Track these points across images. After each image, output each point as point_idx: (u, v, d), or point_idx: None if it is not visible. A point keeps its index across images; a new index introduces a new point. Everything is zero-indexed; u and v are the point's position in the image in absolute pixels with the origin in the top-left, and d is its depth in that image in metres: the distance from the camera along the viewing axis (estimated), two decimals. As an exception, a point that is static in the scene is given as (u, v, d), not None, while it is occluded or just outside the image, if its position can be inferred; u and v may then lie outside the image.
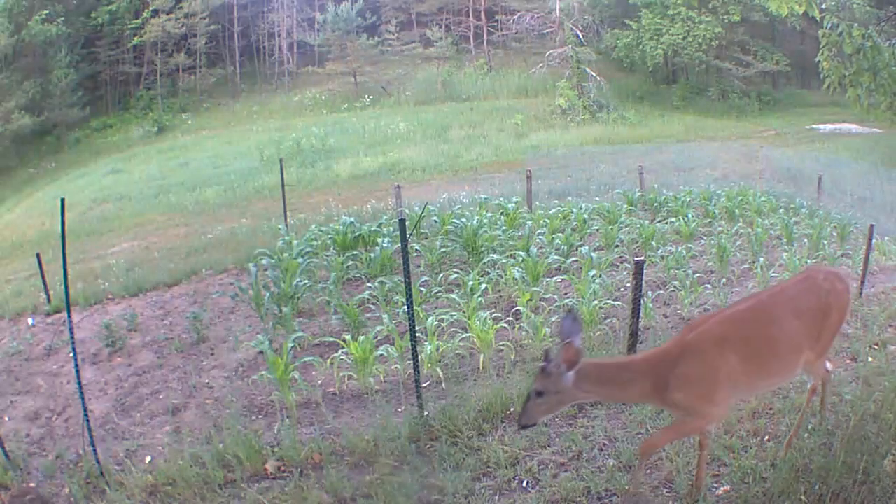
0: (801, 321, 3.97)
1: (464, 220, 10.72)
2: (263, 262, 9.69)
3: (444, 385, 6.24)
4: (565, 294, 8.34)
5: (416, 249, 9.97)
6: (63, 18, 28.61)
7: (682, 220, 11.55)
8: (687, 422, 3.84)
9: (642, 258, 6.14)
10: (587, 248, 9.69)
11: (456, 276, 8.65)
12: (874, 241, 8.99)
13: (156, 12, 30.77)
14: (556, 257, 9.55)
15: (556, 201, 13.97)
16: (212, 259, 11.50)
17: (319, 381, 6.64)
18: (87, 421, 5.32)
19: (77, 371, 5.32)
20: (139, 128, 29.50)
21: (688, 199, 13.43)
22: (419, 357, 5.79)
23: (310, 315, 8.38)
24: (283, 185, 14.43)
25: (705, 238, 11.01)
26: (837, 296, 4.13)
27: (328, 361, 6.58)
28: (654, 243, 10.41)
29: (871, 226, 8.70)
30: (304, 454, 4.99)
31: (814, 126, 26.59)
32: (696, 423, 3.80)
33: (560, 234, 10.42)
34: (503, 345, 6.85)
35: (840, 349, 6.56)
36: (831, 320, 4.10)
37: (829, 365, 4.52)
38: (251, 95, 32.37)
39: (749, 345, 3.79)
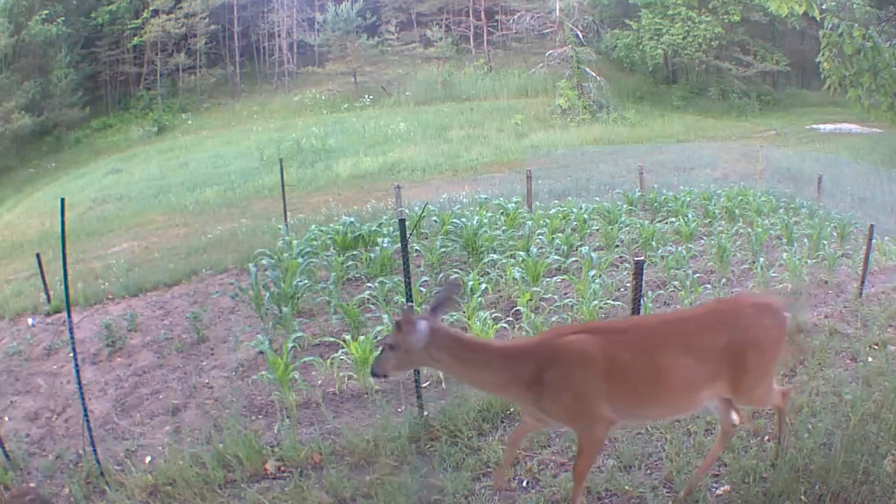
0: (695, 357, 3.59)
1: (464, 220, 10.72)
2: (263, 262, 9.69)
3: (444, 385, 6.24)
4: (565, 294, 8.33)
5: (416, 249, 9.97)
6: (63, 18, 28.64)
7: (682, 220, 11.55)
8: (583, 439, 3.66)
9: (642, 258, 6.13)
10: (587, 248, 9.69)
11: (456, 276, 8.65)
12: (874, 241, 8.99)
13: (156, 12, 30.79)
14: (556, 257, 9.55)
15: (556, 201, 13.98)
16: (212, 259, 11.50)
17: (319, 381, 6.64)
18: (87, 421, 5.31)
19: (77, 371, 5.32)
20: (139, 128, 29.53)
21: (688, 199, 13.43)
22: (419, 357, 5.78)
23: (310, 315, 8.38)
24: (283, 185, 14.43)
25: (705, 238, 11.01)
26: (763, 331, 3.70)
27: (328, 361, 6.58)
28: (654, 243, 10.41)
29: (871, 226, 8.70)
30: (304, 454, 4.99)
31: (814, 126, 26.60)
32: (587, 440, 3.63)
33: (560, 234, 10.42)
34: (503, 345, 6.84)
35: (840, 349, 6.56)
36: (754, 358, 3.67)
37: (778, 394, 4.10)
38: (251, 95, 32.39)
39: (620, 368, 3.51)
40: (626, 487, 4.24)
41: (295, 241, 10.46)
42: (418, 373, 5.63)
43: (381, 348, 3.71)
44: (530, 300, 7.82)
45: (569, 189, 16.09)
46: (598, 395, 3.49)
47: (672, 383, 3.59)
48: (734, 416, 4.01)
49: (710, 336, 3.64)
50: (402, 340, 3.50)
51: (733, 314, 3.77)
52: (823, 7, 7.17)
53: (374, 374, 3.73)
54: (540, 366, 3.47)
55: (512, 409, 5.38)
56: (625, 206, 12.89)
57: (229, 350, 7.62)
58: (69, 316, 5.69)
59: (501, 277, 8.74)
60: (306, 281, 8.81)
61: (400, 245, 5.92)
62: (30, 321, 9.53)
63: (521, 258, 9.03)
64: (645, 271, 6.31)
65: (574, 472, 3.70)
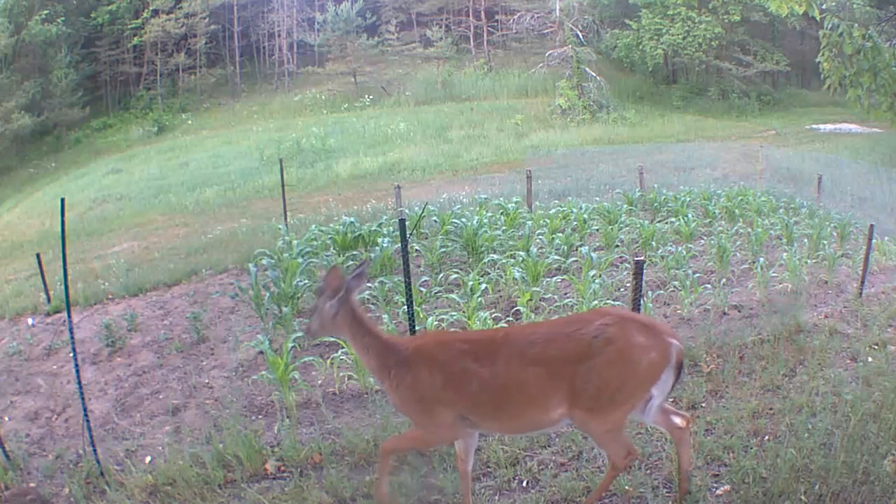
0: (550, 370, 3.44)
1: (464, 220, 10.71)
2: (263, 262, 9.69)
3: (444, 385, 6.23)
4: (565, 294, 8.33)
5: (416, 249, 9.97)
6: (63, 18, 28.67)
7: (682, 220, 11.55)
8: (414, 431, 3.77)
9: (642, 258, 6.13)
10: (587, 248, 9.69)
11: (456, 276, 8.65)
12: (874, 241, 8.99)
13: (156, 12, 30.82)
14: (556, 257, 9.54)
15: (556, 201, 13.97)
16: (212, 259, 11.50)
17: (319, 381, 6.64)
18: (87, 421, 5.31)
19: (77, 371, 5.32)
20: (139, 128, 29.55)
21: (688, 199, 13.42)
22: (419, 357, 5.78)
23: (310, 315, 8.37)
24: (283, 185, 14.43)
25: (705, 238, 11.01)
26: (632, 350, 3.45)
27: (328, 361, 6.57)
28: (654, 243, 10.41)
29: (871, 226, 8.70)
30: (304, 454, 4.99)
31: (814, 126, 26.61)
32: (420, 435, 3.72)
33: (560, 234, 10.42)
34: (503, 345, 6.83)
35: (840, 349, 6.57)
36: (615, 379, 3.43)
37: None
38: (251, 95, 32.41)
39: (466, 377, 3.49)
40: (627, 487, 4.24)
41: (295, 241, 10.46)
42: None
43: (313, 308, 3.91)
44: (530, 300, 7.82)
45: (569, 189, 16.08)
46: (438, 401, 3.53)
47: (517, 398, 3.49)
48: (677, 420, 3.83)
49: (567, 347, 3.47)
50: (322, 305, 3.79)
51: (600, 326, 3.50)
52: (823, 7, 7.16)
53: (306, 332, 3.99)
54: (398, 362, 3.64)
55: (512, 409, 5.38)
56: (625, 206, 12.89)
57: (229, 350, 7.61)
58: (69, 316, 5.69)
59: (501, 277, 8.74)
60: (306, 281, 8.80)
61: (400, 245, 5.92)
62: (30, 321, 9.52)
63: (521, 258, 9.03)
64: (645, 271, 6.31)
65: (386, 444, 3.85)
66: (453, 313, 7.31)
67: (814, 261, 9.88)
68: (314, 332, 3.93)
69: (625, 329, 3.50)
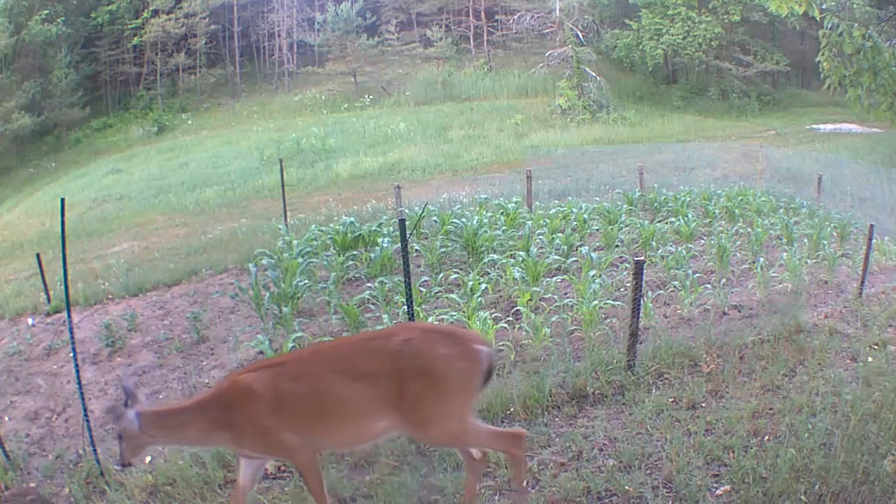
0: (363, 383, 3.49)
1: (464, 220, 10.71)
2: (263, 262, 9.69)
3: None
4: (565, 294, 8.33)
5: (416, 249, 9.96)
6: (63, 18, 28.66)
7: (682, 220, 11.55)
8: (297, 467, 3.78)
9: (642, 258, 6.14)
10: (587, 248, 9.69)
11: (456, 276, 8.64)
12: (874, 241, 8.99)
13: (156, 12, 30.81)
14: (556, 257, 9.54)
15: (556, 201, 13.97)
16: (212, 259, 11.50)
17: (319, 381, 6.63)
18: (87, 421, 5.32)
19: (77, 371, 5.32)
20: (139, 128, 29.53)
21: (688, 199, 13.42)
22: (419, 357, 5.77)
23: (310, 315, 8.37)
24: (283, 185, 14.43)
25: (705, 238, 11.01)
26: (439, 362, 3.46)
27: (328, 361, 6.57)
28: (654, 243, 10.41)
29: (871, 226, 8.71)
30: (304, 454, 4.99)
31: (814, 126, 26.60)
32: (298, 462, 3.72)
33: (560, 234, 10.42)
34: (503, 345, 6.84)
35: (840, 349, 6.57)
36: (424, 390, 3.46)
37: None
38: (251, 95, 32.40)
39: (286, 399, 3.54)
40: (627, 487, 4.24)
41: (295, 241, 10.46)
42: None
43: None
44: (530, 300, 7.82)
45: (569, 189, 16.08)
46: (277, 427, 3.55)
47: (337, 411, 3.52)
48: (475, 451, 3.87)
49: (373, 361, 3.50)
50: (124, 430, 3.63)
51: (403, 340, 3.52)
52: (823, 7, 7.16)
53: (124, 466, 3.92)
54: (224, 409, 3.58)
55: (512, 409, 5.39)
56: (625, 206, 12.88)
57: (229, 350, 7.61)
58: (69, 316, 5.69)
59: (501, 277, 8.73)
60: (306, 281, 8.81)
61: (400, 245, 5.92)
62: (30, 321, 9.52)
63: (521, 258, 9.03)
64: (645, 271, 6.32)
65: (310, 494, 3.77)
66: (453, 313, 7.31)
67: (814, 261, 9.88)
68: (129, 457, 3.73)
69: (428, 341, 3.53)
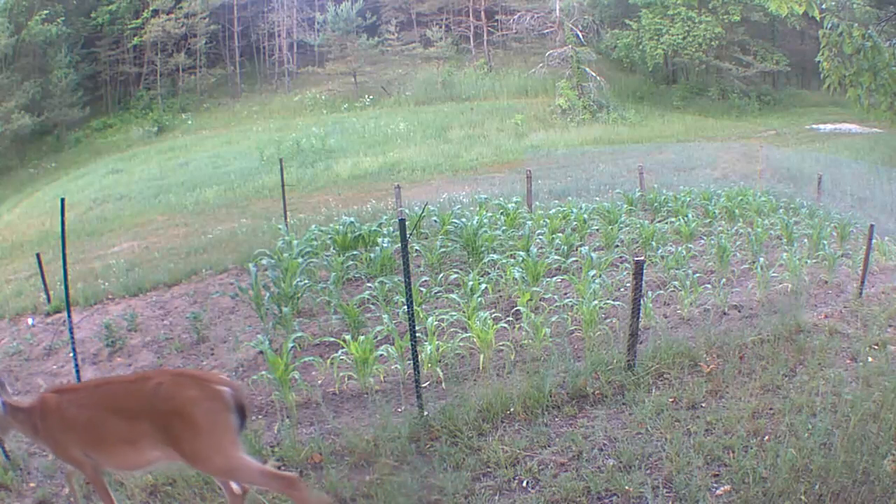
0: (126, 419, 3.90)
1: (464, 220, 10.71)
2: (263, 262, 9.69)
3: (444, 385, 6.24)
4: (565, 294, 8.34)
5: (416, 249, 9.96)
6: (63, 18, 28.63)
7: (682, 220, 11.55)
8: (86, 479, 4.34)
9: (642, 258, 6.14)
10: (587, 248, 9.69)
11: (456, 276, 8.65)
12: (874, 241, 8.99)
13: (156, 12, 30.79)
14: (556, 257, 9.54)
15: (556, 201, 13.97)
16: (212, 259, 11.49)
17: (319, 381, 6.64)
18: (87, 421, 5.30)
19: (77, 371, 5.33)
20: (139, 128, 29.50)
21: (688, 199, 13.42)
22: (419, 357, 5.79)
23: (310, 315, 8.37)
24: (283, 185, 14.43)
25: (705, 238, 11.01)
26: (188, 404, 3.78)
27: (328, 361, 6.58)
28: (654, 243, 10.40)
29: (871, 226, 8.71)
30: (304, 454, 4.99)
31: (814, 126, 26.58)
32: (86, 475, 4.23)
33: (560, 234, 10.42)
34: (503, 345, 6.85)
35: (840, 349, 6.57)
36: (183, 429, 3.77)
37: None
38: (251, 95, 32.38)
39: (70, 422, 4.02)
40: (627, 487, 4.24)
41: (295, 241, 10.46)
42: (418, 372, 5.64)
43: None
44: (530, 300, 7.82)
45: (569, 189, 16.08)
46: (67, 443, 4.06)
47: (109, 439, 3.97)
48: (235, 486, 4.15)
49: (134, 401, 3.92)
50: None
51: (156, 383, 3.89)
52: (823, 7, 7.16)
53: None
54: (38, 419, 4.15)
55: (512, 410, 5.39)
56: (625, 206, 12.88)
57: (229, 350, 7.61)
58: (69, 316, 5.70)
59: (501, 277, 8.73)
60: (306, 281, 8.81)
61: (400, 245, 5.92)
62: (30, 321, 9.52)
63: (521, 258, 9.03)
64: (645, 271, 6.32)
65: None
66: (453, 313, 7.32)
67: (814, 261, 9.88)
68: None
69: (178, 385, 3.89)
